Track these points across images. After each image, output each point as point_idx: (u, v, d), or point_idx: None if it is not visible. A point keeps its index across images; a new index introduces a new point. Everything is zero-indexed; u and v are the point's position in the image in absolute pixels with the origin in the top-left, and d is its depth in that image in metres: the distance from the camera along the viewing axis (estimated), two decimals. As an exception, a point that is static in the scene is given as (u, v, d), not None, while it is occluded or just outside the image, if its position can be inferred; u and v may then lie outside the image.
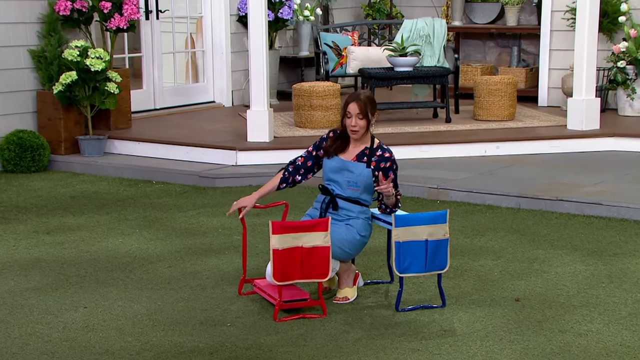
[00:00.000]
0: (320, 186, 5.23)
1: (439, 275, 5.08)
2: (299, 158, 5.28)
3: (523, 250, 6.10)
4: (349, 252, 5.13)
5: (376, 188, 5.02)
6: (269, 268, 4.96)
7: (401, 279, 5.02)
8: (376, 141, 5.20)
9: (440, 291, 5.08)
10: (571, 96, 9.40)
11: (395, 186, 5.14)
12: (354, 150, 5.18)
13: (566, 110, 9.54)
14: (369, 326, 4.79)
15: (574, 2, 9.95)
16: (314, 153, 5.26)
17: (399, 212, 5.20)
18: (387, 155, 5.15)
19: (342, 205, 5.15)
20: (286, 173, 5.26)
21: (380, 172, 5.01)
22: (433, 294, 5.22)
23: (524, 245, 6.22)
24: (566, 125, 9.35)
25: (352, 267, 5.24)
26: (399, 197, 5.14)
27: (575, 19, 9.29)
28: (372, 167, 5.11)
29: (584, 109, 9.20)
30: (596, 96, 9.45)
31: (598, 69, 10.01)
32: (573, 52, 9.29)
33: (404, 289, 5.09)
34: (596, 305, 5.06)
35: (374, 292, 5.33)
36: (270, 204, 5.44)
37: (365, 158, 5.14)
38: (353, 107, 5.11)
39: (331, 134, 5.25)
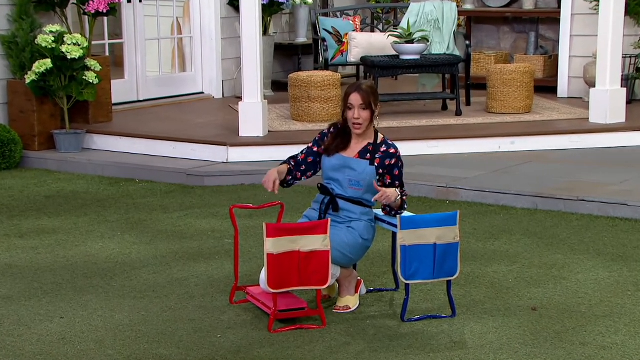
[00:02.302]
0: (320, 185, 5.24)
1: (449, 282, 5.09)
2: (299, 154, 5.29)
3: (540, 255, 6.12)
4: (351, 257, 5.14)
5: (374, 198, 5.03)
6: (263, 274, 4.97)
7: (407, 286, 5.03)
8: (380, 136, 5.21)
9: (449, 300, 5.10)
10: (594, 86, 9.41)
11: (401, 185, 5.15)
12: (356, 146, 5.19)
13: (588, 102, 9.56)
14: (372, 338, 4.80)
15: (597, -17, 9.98)
16: (315, 149, 5.27)
17: (405, 213, 5.21)
18: (392, 151, 5.16)
19: (343, 206, 5.16)
20: (290, 166, 5.27)
21: (374, 181, 5.03)
22: (442, 302, 5.23)
23: (542, 250, 6.23)
24: (588, 119, 9.37)
25: (353, 273, 5.26)
26: (405, 197, 5.15)
27: (599, 1, 9.30)
28: (375, 164, 5.12)
29: (608, 100, 9.22)
30: (622, 86, 9.47)
31: (624, 56, 10.01)
32: (596, 37, 9.30)
33: (411, 297, 5.10)
34: (621, 316, 5.07)
35: (377, 300, 5.35)
36: (264, 205, 5.44)
37: (368, 155, 5.15)
38: (355, 98, 5.12)
39: (332, 129, 5.26)
